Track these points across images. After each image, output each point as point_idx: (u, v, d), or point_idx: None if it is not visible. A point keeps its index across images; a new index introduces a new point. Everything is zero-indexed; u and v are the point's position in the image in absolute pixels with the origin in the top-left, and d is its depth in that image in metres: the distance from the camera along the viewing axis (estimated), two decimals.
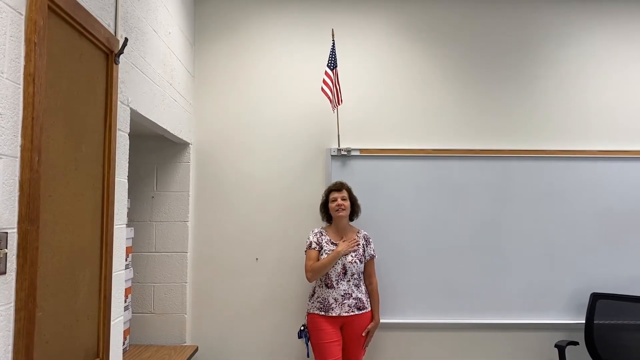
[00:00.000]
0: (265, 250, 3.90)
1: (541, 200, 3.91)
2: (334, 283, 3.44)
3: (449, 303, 3.86)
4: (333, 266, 3.43)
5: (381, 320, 3.63)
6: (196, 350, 3.68)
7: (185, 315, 3.76)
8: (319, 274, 3.44)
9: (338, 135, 3.87)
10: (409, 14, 4.03)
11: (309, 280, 3.46)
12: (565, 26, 4.04)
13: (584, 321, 3.75)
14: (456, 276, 3.87)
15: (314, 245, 3.52)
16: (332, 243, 3.52)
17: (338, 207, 3.52)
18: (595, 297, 3.76)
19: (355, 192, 3.65)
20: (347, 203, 3.56)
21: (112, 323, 2.28)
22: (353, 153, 3.90)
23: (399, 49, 4.02)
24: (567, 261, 3.88)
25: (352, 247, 3.48)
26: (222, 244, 3.90)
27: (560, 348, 3.58)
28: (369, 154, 3.91)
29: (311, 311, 3.49)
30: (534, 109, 4.00)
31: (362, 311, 3.47)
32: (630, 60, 4.04)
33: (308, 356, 3.50)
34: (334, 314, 3.41)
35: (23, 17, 1.58)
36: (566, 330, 3.84)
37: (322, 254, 3.47)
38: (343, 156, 3.91)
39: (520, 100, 4.00)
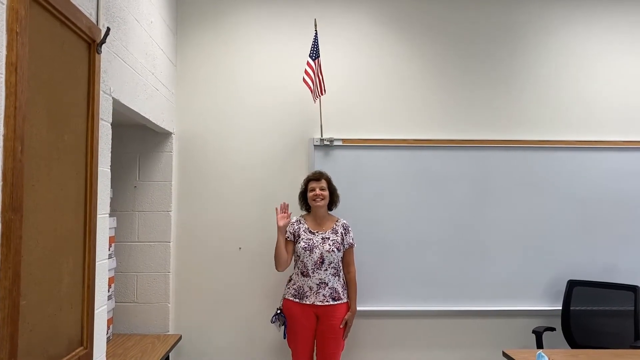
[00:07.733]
0: (249, 240, 3.92)
1: (520, 189, 3.98)
2: (310, 272, 3.44)
3: (429, 291, 3.92)
4: (310, 255, 3.45)
5: (362, 308, 3.67)
6: (179, 339, 3.70)
7: (169, 305, 3.77)
8: (278, 260, 3.47)
9: (321, 125, 3.89)
10: (392, 5, 4.05)
11: (277, 269, 3.51)
12: (545, 18, 4.09)
13: (560, 308, 3.84)
14: (436, 264, 3.93)
15: (288, 235, 3.54)
16: (310, 232, 3.53)
17: (316, 196, 3.53)
18: (572, 285, 3.85)
19: (337, 182, 3.68)
20: (326, 193, 3.56)
21: (95, 312, 2.28)
22: (335, 143, 3.93)
23: (382, 39, 4.04)
24: (545, 249, 3.96)
25: (283, 218, 3.51)
26: (205, 234, 3.91)
27: (538, 334, 3.67)
28: (351, 144, 3.94)
29: (286, 296, 3.51)
30: (514, 100, 4.05)
31: (337, 302, 3.46)
32: (609, 52, 4.10)
33: (285, 337, 3.51)
34: (308, 302, 3.43)
35: (4, 6, 1.57)
36: (543, 316, 3.92)
37: (299, 243, 3.50)
38: (326, 146, 3.93)
39: (501, 91, 4.05)
